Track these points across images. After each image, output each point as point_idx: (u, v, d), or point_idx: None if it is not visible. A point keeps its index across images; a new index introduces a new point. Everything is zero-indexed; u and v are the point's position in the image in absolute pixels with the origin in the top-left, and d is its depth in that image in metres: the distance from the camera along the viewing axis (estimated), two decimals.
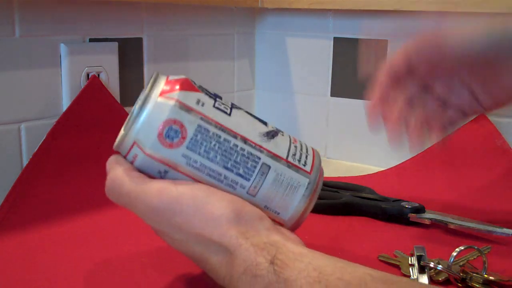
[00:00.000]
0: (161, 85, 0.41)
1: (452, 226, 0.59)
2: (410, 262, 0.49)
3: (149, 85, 0.41)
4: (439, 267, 0.47)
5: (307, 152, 0.44)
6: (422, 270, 0.48)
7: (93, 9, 0.74)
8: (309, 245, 0.39)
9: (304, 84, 0.96)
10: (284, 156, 0.42)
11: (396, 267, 0.50)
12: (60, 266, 0.50)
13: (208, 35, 0.91)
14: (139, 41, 0.80)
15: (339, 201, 0.65)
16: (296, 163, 0.43)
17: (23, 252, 0.53)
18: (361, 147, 0.91)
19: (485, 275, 0.47)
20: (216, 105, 0.42)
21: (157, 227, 0.41)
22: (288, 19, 0.95)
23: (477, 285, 0.46)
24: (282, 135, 0.44)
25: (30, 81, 0.68)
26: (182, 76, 0.42)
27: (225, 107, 0.42)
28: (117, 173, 0.41)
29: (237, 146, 0.41)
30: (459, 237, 0.58)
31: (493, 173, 0.74)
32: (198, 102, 0.41)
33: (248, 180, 0.41)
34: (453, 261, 0.47)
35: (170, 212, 0.39)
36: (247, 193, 0.41)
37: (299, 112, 0.97)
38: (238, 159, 0.41)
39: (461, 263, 0.49)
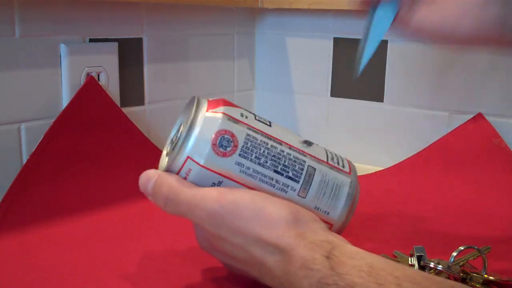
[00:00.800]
0: (205, 104, 0.44)
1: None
2: (410, 262, 0.49)
3: (194, 106, 0.43)
4: (439, 267, 0.47)
5: (341, 157, 0.48)
6: (422, 270, 0.48)
7: (93, 9, 0.74)
8: None
9: (304, 84, 0.96)
10: (325, 160, 0.46)
11: None
12: (59, 266, 0.50)
13: (208, 35, 0.91)
14: (139, 41, 0.80)
15: None
16: (336, 165, 0.46)
17: (21, 252, 0.53)
18: (361, 147, 0.91)
19: (485, 275, 0.47)
20: (257, 118, 0.45)
21: (217, 232, 0.41)
22: (288, 19, 0.95)
23: (477, 285, 0.47)
24: (317, 144, 0.48)
25: (30, 81, 0.68)
26: (220, 98, 0.45)
27: (264, 120, 0.46)
28: (171, 183, 0.42)
29: (283, 151, 0.44)
30: (458, 237, 0.58)
31: (490, 172, 0.74)
32: (242, 115, 0.44)
33: (298, 182, 0.44)
34: (453, 261, 0.47)
35: (230, 216, 0.40)
36: (298, 195, 0.44)
37: (299, 112, 0.97)
38: (286, 163, 0.44)
39: (461, 263, 0.49)
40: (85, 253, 0.53)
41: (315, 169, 0.45)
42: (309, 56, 0.94)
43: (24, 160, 0.67)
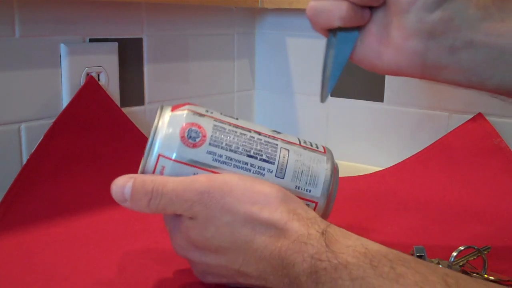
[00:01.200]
0: (170, 107, 0.45)
1: None
2: None
3: (159, 111, 0.44)
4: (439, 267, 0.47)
5: (314, 142, 0.48)
6: None
7: (93, 9, 0.74)
8: None
9: (304, 84, 0.96)
10: (297, 142, 0.46)
11: None
12: (59, 266, 0.50)
13: (208, 35, 0.91)
14: (139, 41, 0.80)
15: None
16: (309, 146, 0.47)
17: (21, 252, 0.53)
18: (361, 147, 0.91)
19: (485, 275, 0.47)
20: (223, 114, 0.46)
21: (205, 213, 0.41)
22: (288, 19, 0.95)
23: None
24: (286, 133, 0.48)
25: (30, 81, 0.68)
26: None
27: (231, 115, 0.46)
28: (153, 178, 0.42)
29: (253, 137, 0.45)
30: (458, 237, 0.58)
31: (490, 172, 0.74)
32: (207, 111, 0.45)
33: (273, 163, 0.44)
34: (453, 261, 0.47)
35: (220, 193, 0.40)
36: (276, 176, 0.44)
37: (299, 112, 0.97)
38: (258, 147, 0.44)
39: (461, 263, 0.49)
40: (85, 253, 0.53)
41: (288, 150, 0.45)
42: (309, 56, 0.94)
43: (24, 160, 0.67)
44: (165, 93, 0.85)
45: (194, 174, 0.43)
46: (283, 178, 0.44)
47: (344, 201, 0.71)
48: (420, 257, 0.48)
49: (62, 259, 0.52)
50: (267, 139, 0.45)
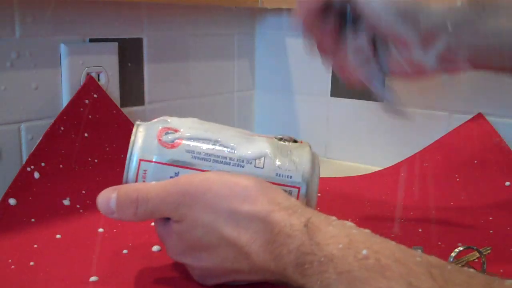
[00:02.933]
0: (144, 122, 0.47)
1: None
2: None
3: (134, 128, 0.46)
4: None
5: (291, 136, 0.49)
6: None
7: (93, 9, 0.74)
8: None
9: (304, 84, 0.96)
10: (273, 136, 0.47)
11: None
12: (59, 266, 0.51)
13: (208, 35, 0.91)
14: (139, 41, 0.80)
15: None
16: (286, 138, 0.47)
17: (21, 252, 0.53)
18: (361, 147, 0.91)
19: None
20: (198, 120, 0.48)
21: (190, 215, 0.41)
22: (288, 19, 0.95)
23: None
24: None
25: (30, 81, 0.68)
26: None
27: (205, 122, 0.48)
28: (137, 186, 0.42)
29: (229, 133, 0.46)
30: (458, 237, 0.58)
31: (490, 171, 0.74)
32: (180, 118, 0.47)
33: (252, 154, 0.45)
34: (452, 262, 0.47)
35: (201, 192, 0.41)
36: (255, 167, 0.44)
37: (299, 112, 0.97)
38: (236, 140, 0.45)
39: (460, 265, 0.49)
40: (85, 253, 0.53)
41: (265, 141, 0.46)
42: (309, 56, 0.94)
43: (24, 160, 0.67)
44: (165, 93, 0.85)
45: (176, 173, 0.44)
46: (263, 168, 0.44)
47: (344, 201, 0.72)
48: None
49: (62, 259, 0.52)
50: (243, 135, 0.46)
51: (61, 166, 0.66)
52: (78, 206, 0.64)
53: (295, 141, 0.47)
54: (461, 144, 0.78)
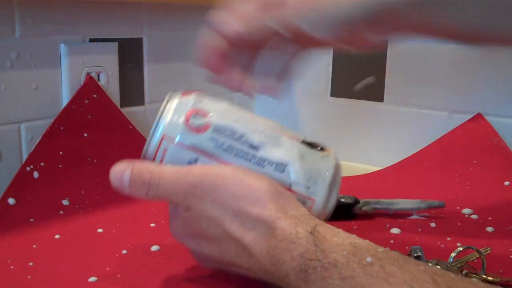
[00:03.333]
0: (179, 93, 0.45)
1: (394, 211, 0.64)
2: None
3: (167, 96, 0.45)
4: (438, 267, 0.47)
5: (319, 141, 0.47)
6: None
7: (93, 9, 0.74)
8: None
9: (304, 84, 0.96)
10: (301, 139, 0.46)
11: None
12: (59, 266, 0.51)
13: None
14: (139, 41, 0.80)
15: None
16: (313, 143, 0.46)
17: (21, 252, 0.53)
18: (361, 147, 0.91)
19: (484, 276, 0.47)
20: (232, 104, 0.46)
21: (197, 206, 0.41)
22: None
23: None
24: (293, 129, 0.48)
25: (30, 81, 0.68)
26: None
27: (240, 107, 0.46)
28: (151, 168, 0.42)
29: (258, 129, 0.44)
30: (458, 237, 0.58)
31: (489, 171, 0.74)
32: (215, 99, 0.45)
33: (274, 157, 0.43)
34: (452, 262, 0.47)
35: (213, 187, 0.41)
36: (275, 170, 0.43)
37: (299, 112, 0.97)
38: (262, 139, 0.44)
39: (459, 265, 0.49)
40: (84, 254, 0.53)
41: (291, 146, 0.44)
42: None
43: (24, 160, 0.67)
44: (165, 93, 0.84)
45: (194, 159, 0.43)
46: (282, 173, 0.43)
47: None
48: (417, 257, 0.48)
49: (61, 260, 0.52)
50: (272, 133, 0.45)
51: (60, 166, 0.66)
52: (77, 206, 0.64)
53: (322, 149, 0.46)
54: (461, 144, 0.78)
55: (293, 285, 0.38)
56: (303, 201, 0.44)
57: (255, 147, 0.43)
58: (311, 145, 0.46)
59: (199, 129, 0.43)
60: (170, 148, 0.43)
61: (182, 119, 0.43)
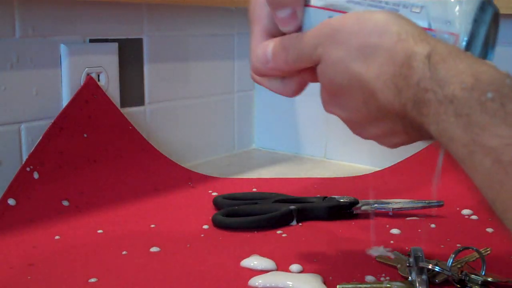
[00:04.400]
0: None
1: (393, 211, 0.64)
2: (408, 264, 0.49)
3: None
4: (438, 268, 0.47)
5: None
6: (420, 271, 0.48)
7: (93, 9, 0.74)
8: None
9: None
10: None
11: (394, 268, 0.50)
12: (59, 266, 0.51)
13: (208, 35, 0.91)
14: (139, 41, 0.80)
15: (284, 211, 0.62)
16: None
17: (21, 252, 0.53)
18: (361, 147, 0.90)
19: (484, 276, 0.47)
20: None
21: (323, 53, 0.40)
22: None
23: (476, 286, 0.46)
24: None
25: (30, 81, 0.68)
26: None
27: None
28: (289, 35, 0.43)
29: None
30: (458, 237, 0.58)
31: None
32: None
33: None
34: (452, 262, 0.47)
35: (335, 30, 0.39)
36: (411, 11, 0.40)
37: (299, 112, 0.97)
38: None
39: (459, 265, 0.49)
40: (84, 254, 0.53)
41: None
42: None
43: (24, 160, 0.67)
44: (165, 93, 0.85)
45: (329, 17, 0.42)
46: (419, 13, 0.40)
47: None
48: (417, 258, 0.48)
49: (61, 260, 0.52)
50: None
51: (60, 166, 0.66)
52: (77, 206, 0.64)
53: None
54: None
55: (410, 115, 0.36)
56: (446, 38, 0.39)
57: None
58: None
59: None
60: (306, 13, 0.43)
61: None
